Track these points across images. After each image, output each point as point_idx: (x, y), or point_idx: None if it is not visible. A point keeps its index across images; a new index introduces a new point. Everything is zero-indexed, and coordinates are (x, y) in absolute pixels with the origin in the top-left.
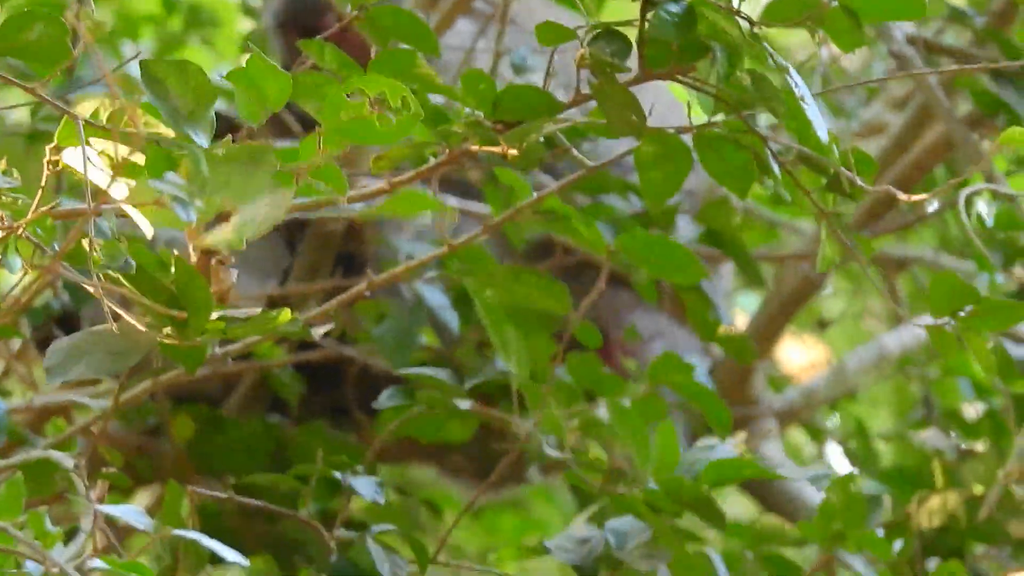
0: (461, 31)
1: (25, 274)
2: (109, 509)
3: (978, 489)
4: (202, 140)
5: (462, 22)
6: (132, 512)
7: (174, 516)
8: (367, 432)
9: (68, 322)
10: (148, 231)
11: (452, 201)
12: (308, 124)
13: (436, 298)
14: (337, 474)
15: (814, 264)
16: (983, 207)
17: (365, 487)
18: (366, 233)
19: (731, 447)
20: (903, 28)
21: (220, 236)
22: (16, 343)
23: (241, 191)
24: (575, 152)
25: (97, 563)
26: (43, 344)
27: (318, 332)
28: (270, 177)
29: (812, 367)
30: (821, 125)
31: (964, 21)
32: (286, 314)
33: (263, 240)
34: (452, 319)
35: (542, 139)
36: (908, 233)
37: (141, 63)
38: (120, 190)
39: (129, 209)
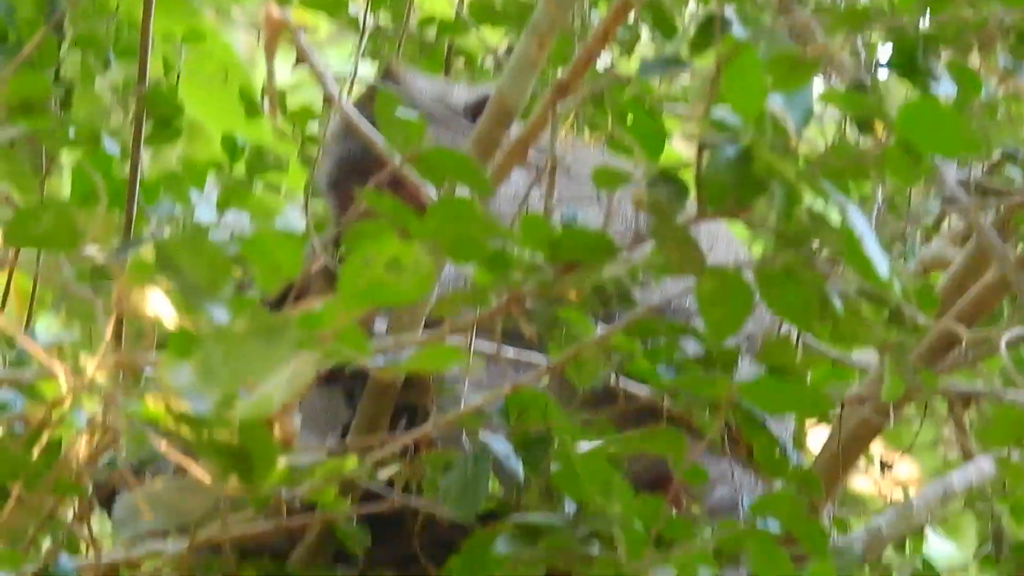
0: (517, 182)
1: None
2: None
3: None
4: (220, 315)
5: (517, 173)
6: None
7: None
8: None
9: (135, 477)
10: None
11: (510, 353)
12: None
13: (500, 446)
14: None
15: (875, 403)
16: None
17: None
18: (426, 383)
19: None
20: (955, 170)
21: (243, 410)
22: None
23: (262, 365)
24: (632, 293)
25: None
26: (106, 501)
27: (383, 475)
28: (292, 346)
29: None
30: (881, 260)
31: (1016, 161)
32: (352, 460)
33: (322, 394)
34: (516, 467)
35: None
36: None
37: (155, 244)
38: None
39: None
